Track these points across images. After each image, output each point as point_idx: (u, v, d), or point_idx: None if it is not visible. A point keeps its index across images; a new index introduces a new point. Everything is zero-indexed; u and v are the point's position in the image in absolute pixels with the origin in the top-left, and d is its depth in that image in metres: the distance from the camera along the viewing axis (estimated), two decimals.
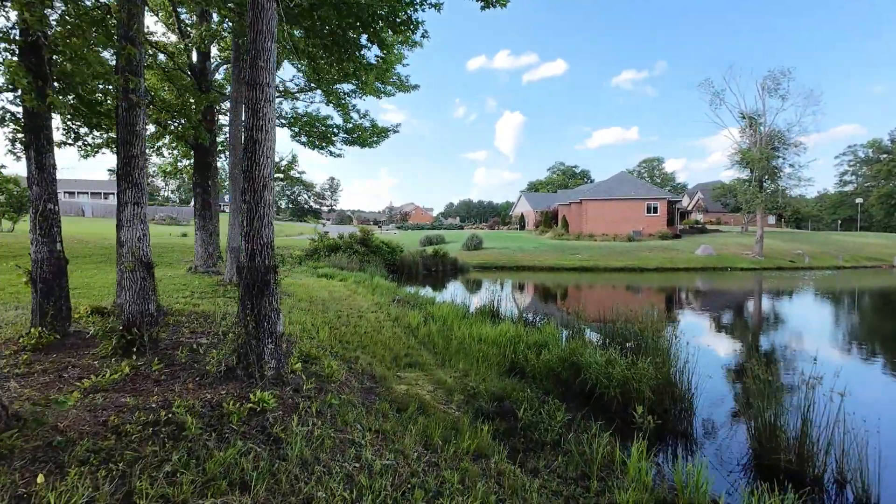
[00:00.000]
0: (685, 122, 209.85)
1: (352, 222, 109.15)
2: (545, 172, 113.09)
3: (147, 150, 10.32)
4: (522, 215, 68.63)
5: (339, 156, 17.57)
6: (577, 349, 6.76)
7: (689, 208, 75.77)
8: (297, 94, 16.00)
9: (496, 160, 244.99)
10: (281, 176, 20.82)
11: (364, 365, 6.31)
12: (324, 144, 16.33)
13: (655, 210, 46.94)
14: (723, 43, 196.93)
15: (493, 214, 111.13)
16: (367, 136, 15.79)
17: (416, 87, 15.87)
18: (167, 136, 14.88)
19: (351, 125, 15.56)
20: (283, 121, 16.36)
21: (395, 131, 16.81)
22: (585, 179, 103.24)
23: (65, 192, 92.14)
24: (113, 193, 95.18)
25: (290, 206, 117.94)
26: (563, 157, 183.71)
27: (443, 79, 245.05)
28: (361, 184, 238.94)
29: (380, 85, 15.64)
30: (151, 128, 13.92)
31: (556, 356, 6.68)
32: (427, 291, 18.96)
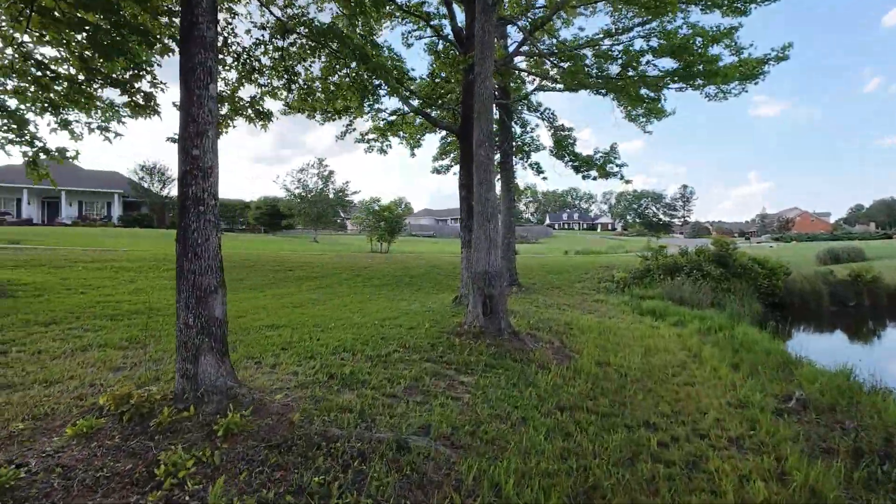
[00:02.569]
0: None
1: (709, 234, 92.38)
2: None
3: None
4: None
5: (654, 115, 11.10)
6: None
7: None
8: (601, 41, 10.54)
9: None
10: (595, 174, 15.60)
11: None
12: (616, 90, 9.97)
13: None
14: None
15: None
16: (713, 67, 8.63)
17: None
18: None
19: (678, 45, 8.75)
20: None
21: (781, 57, 9.03)
22: None
23: (451, 219, 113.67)
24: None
25: (638, 219, 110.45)
26: None
27: (841, 49, 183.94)
28: (722, 192, 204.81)
29: None
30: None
31: None
32: (852, 354, 9.75)
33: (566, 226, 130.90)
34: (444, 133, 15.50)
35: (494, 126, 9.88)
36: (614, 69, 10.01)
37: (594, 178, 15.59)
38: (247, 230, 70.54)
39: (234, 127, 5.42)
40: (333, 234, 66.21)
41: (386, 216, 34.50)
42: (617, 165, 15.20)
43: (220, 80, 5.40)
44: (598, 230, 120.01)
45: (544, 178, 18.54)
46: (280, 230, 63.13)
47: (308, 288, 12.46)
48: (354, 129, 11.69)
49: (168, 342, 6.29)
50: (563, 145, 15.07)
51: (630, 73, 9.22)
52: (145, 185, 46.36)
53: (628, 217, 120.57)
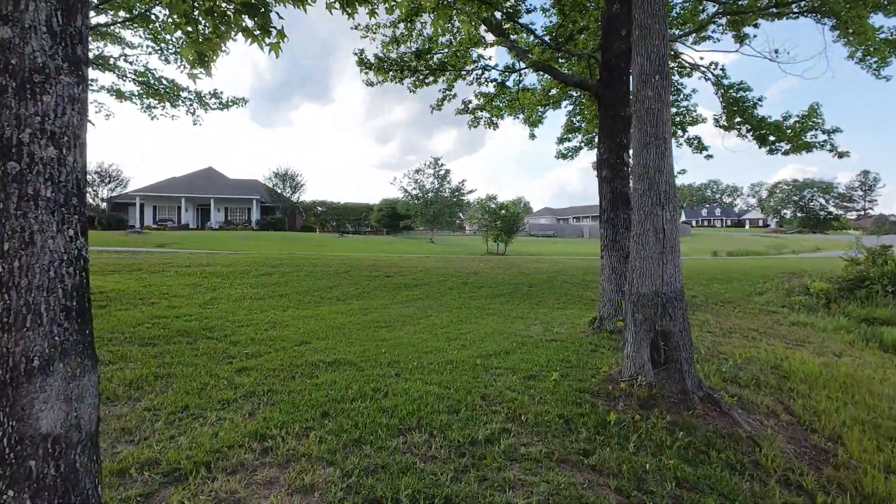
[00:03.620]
0: None
1: None
2: None
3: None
4: None
5: None
6: None
7: None
8: None
9: None
10: (786, 146, 11.33)
11: None
12: None
13: None
14: None
15: None
16: None
17: None
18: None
19: None
20: None
21: None
22: None
23: (573, 218, 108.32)
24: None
25: (799, 214, 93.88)
26: None
27: None
28: None
29: None
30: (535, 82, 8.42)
31: None
32: None
33: (706, 223, 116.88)
34: (571, 104, 12.40)
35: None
36: None
37: (785, 153, 11.30)
38: (371, 232, 73.19)
39: (226, 52, 3.25)
40: (451, 235, 65.53)
41: (502, 214, 31.93)
42: (823, 132, 10.78)
43: None
44: (747, 227, 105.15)
45: (708, 157, 14.74)
46: (399, 231, 64.01)
47: (403, 299, 10.33)
48: (454, 96, 9.26)
49: (179, 389, 4.39)
50: (738, 109, 11.08)
51: None
52: (278, 191, 49.54)
53: (785, 211, 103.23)
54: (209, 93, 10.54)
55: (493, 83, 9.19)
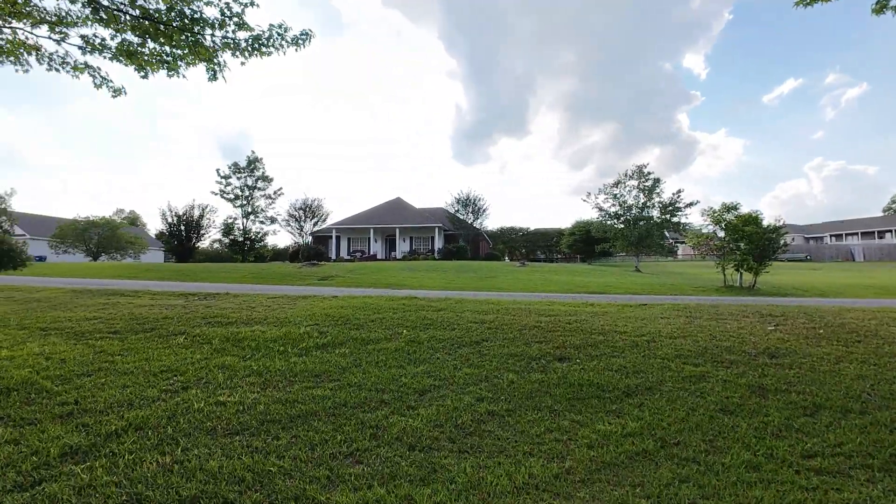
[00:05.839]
0: None
1: None
2: None
3: None
4: None
5: None
6: None
7: None
8: None
9: None
10: None
11: None
12: None
13: None
14: None
15: None
16: None
17: None
18: None
19: None
20: None
21: None
22: None
23: (829, 236, 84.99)
24: (890, 231, 76.08)
25: None
26: None
27: None
28: None
29: None
30: None
31: None
32: None
33: None
34: None
35: None
36: None
37: None
38: (564, 259, 66.03)
39: None
40: (660, 261, 54.11)
41: (748, 231, 21.72)
42: None
43: None
44: None
45: None
46: (595, 257, 55.41)
47: (594, 455, 3.68)
48: None
49: None
50: None
51: None
52: (461, 217, 46.81)
53: None
54: (226, 15, 5.80)
55: None
